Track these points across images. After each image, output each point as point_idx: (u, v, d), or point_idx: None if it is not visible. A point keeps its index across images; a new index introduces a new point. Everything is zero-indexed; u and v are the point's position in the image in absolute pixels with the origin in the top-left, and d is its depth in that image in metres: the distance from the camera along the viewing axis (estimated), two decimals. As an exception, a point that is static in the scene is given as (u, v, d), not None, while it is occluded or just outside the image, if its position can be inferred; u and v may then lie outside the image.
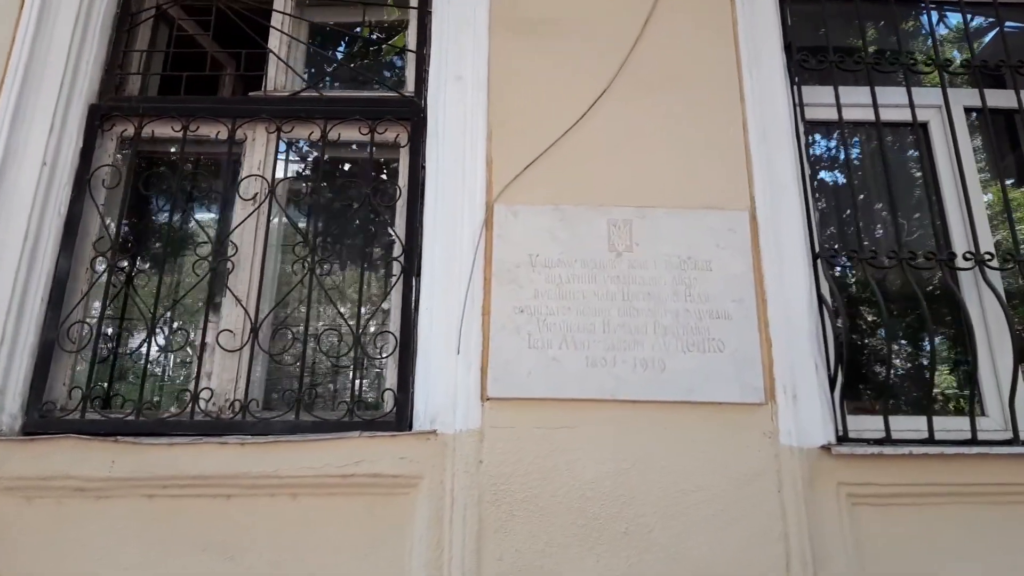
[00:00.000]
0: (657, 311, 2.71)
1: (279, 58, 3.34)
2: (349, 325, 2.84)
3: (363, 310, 2.91)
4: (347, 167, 3.44)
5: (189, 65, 3.33)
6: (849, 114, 3.22)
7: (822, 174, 3.64)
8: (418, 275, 2.85)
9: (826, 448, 2.59)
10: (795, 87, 3.16)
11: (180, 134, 3.11)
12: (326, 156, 3.20)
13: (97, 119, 3.13)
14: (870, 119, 3.18)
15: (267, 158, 3.15)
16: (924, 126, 3.37)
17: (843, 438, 2.67)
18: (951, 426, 2.81)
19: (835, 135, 3.51)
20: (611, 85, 3.03)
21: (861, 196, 3.59)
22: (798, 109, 3.14)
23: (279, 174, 3.15)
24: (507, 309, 2.71)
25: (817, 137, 3.62)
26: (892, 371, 3.19)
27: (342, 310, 2.97)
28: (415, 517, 2.53)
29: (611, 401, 2.62)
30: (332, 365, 3.02)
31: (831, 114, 3.16)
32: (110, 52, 3.30)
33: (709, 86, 3.07)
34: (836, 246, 2.99)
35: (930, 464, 2.62)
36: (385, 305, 2.99)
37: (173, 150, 3.31)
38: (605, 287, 2.74)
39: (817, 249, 2.92)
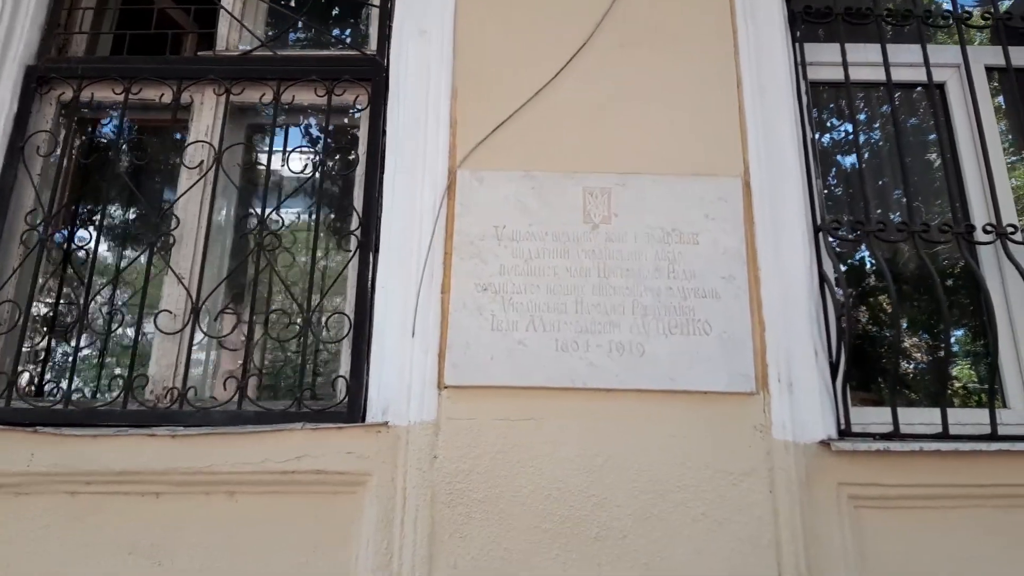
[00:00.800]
0: (636, 289, 2.42)
1: (230, 14, 3.05)
2: (299, 305, 2.56)
3: (316, 289, 2.63)
4: (304, 132, 3.14)
5: (147, 25, 3.06)
6: (857, 74, 2.93)
7: (826, 140, 3.30)
8: (376, 251, 2.57)
9: (825, 444, 2.30)
10: (797, 44, 2.84)
11: (121, 97, 2.83)
12: (280, 121, 2.91)
13: (34, 82, 2.86)
14: (881, 79, 2.86)
15: (215, 123, 2.87)
16: (941, 87, 3.03)
17: (845, 432, 2.38)
18: (968, 419, 2.51)
19: (842, 97, 3.15)
20: (591, 39, 2.73)
21: (869, 162, 3.26)
22: (799, 68, 2.81)
23: (228, 140, 2.87)
24: (468, 287, 2.43)
25: (822, 99, 3.27)
26: (902, 358, 2.89)
27: (294, 290, 2.69)
28: (363, 519, 2.26)
29: (583, 390, 2.34)
30: (283, 349, 2.74)
31: (837, 74, 2.86)
32: (50, 11, 3.02)
33: (699, 39, 2.76)
34: (842, 218, 2.65)
35: (944, 462, 2.33)
36: (342, 284, 2.70)
37: (117, 115, 3.02)
38: (579, 262, 2.45)
39: (819, 221, 2.61)
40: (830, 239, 2.61)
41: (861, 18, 2.91)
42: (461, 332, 2.38)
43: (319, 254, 2.86)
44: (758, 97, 2.69)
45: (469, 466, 2.26)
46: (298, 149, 2.85)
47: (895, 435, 2.36)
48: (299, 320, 2.57)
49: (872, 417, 2.51)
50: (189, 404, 2.48)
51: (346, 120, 3.02)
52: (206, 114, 2.90)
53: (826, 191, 3.12)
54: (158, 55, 2.95)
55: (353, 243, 2.66)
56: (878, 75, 2.88)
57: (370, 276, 2.56)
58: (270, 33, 3.19)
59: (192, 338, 2.58)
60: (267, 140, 2.80)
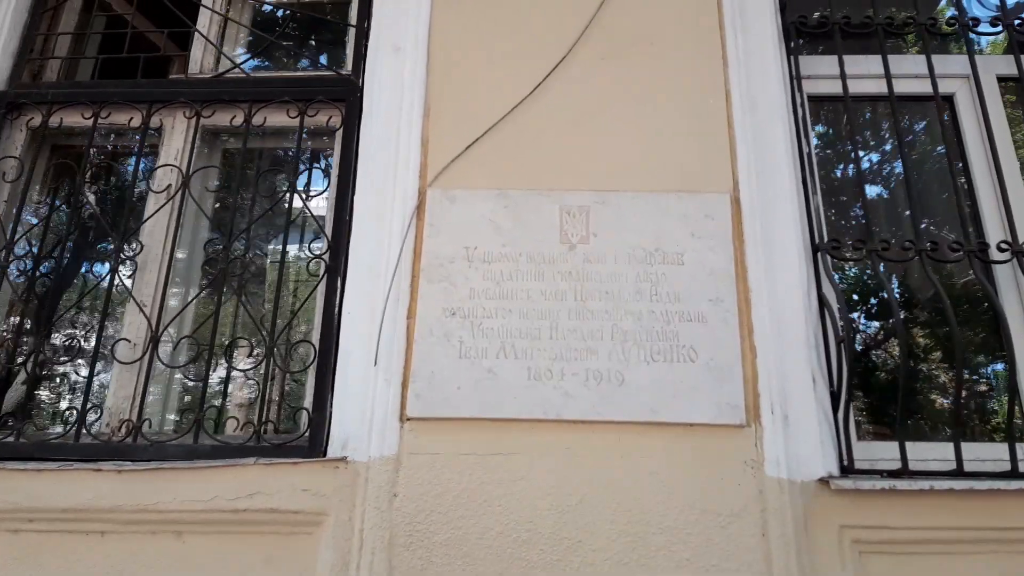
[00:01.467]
0: (616, 313, 2.25)
1: (202, 35, 2.98)
2: (263, 334, 2.42)
3: (281, 317, 2.50)
4: (277, 155, 3.04)
5: (131, 50, 3.01)
6: (859, 87, 2.76)
7: (827, 156, 3.12)
8: (344, 276, 2.43)
9: (824, 482, 2.09)
10: (792, 57, 2.68)
11: (91, 122, 2.75)
12: (253, 144, 2.82)
13: (3, 107, 2.80)
14: (883, 92, 2.67)
15: (185, 147, 2.77)
16: (950, 99, 2.84)
17: (848, 469, 2.16)
18: (986, 455, 2.29)
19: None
20: (571, 52, 2.60)
21: (880, 182, 3.08)
22: (795, 82, 2.65)
23: (200, 164, 2.77)
24: (436, 311, 2.28)
25: (822, 114, 3.10)
26: (910, 386, 2.66)
27: (263, 318, 2.56)
28: (317, 563, 2.09)
29: (556, 422, 2.16)
30: (247, 380, 2.60)
31: (836, 87, 2.68)
32: (24, 37, 2.97)
33: (686, 50, 2.62)
34: (843, 237, 2.46)
35: (959, 502, 2.10)
36: (312, 311, 2.56)
37: (96, 140, 2.95)
38: (554, 285, 2.29)
39: (817, 240, 2.42)
40: (830, 259, 2.41)
41: (860, 28, 2.73)
42: (426, 360, 2.22)
43: (290, 281, 2.74)
44: (748, 110, 2.54)
45: (431, 505, 2.08)
46: (269, 170, 2.73)
47: (904, 472, 2.15)
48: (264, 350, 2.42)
49: (880, 452, 2.29)
50: (143, 438, 2.34)
51: (322, 141, 2.91)
52: (176, 138, 2.81)
53: (839, 214, 2.93)
54: (130, 79, 2.86)
55: (322, 268, 2.51)
56: (881, 87, 2.70)
57: (337, 302, 2.42)
58: (249, 54, 3.10)
59: (150, 369, 2.45)
60: (238, 161, 2.70)
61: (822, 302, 2.35)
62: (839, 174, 3.10)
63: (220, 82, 2.86)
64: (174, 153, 2.78)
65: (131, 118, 2.78)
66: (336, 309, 2.41)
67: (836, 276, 2.39)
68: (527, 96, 2.53)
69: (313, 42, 3.51)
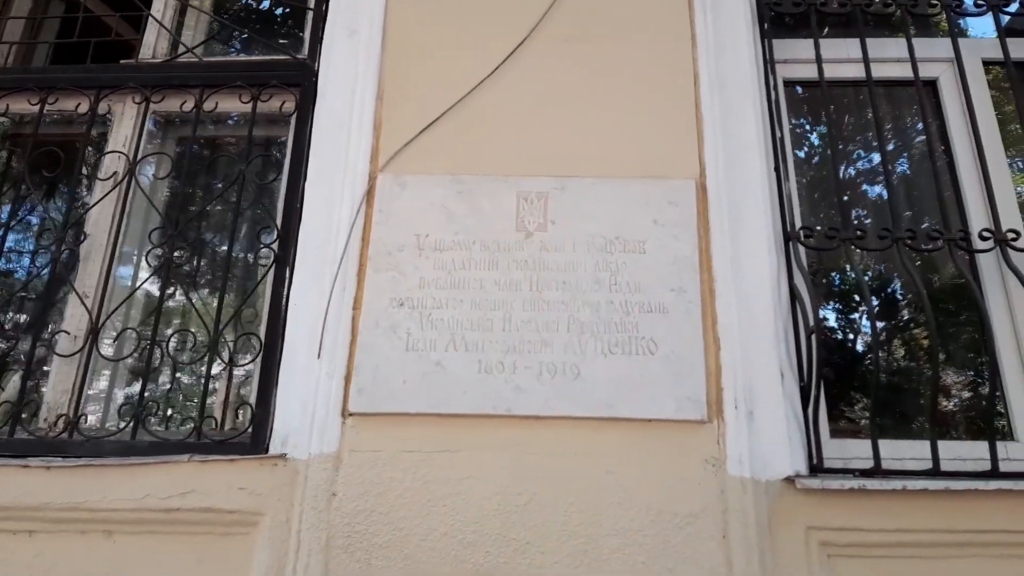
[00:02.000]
0: (573, 303, 2.14)
1: (156, 20, 2.88)
2: (206, 325, 2.31)
3: (228, 308, 2.39)
4: (230, 142, 2.93)
5: (75, 34, 2.91)
6: (837, 71, 2.66)
7: (803, 145, 3.00)
8: (292, 266, 2.32)
9: (790, 481, 1.97)
10: (766, 40, 2.57)
11: (37, 108, 2.65)
12: (208, 132, 2.72)
13: (-52, 94, 2.70)
14: (863, 77, 2.55)
15: (134, 133, 2.67)
16: (932, 84, 2.72)
17: (817, 468, 2.04)
18: (965, 453, 2.17)
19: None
20: (533, 33, 2.49)
21: (853, 172, 2.97)
22: (768, 65, 2.54)
23: (151, 152, 2.67)
24: (383, 302, 2.16)
25: (803, 104, 2.98)
26: (884, 380, 2.54)
27: (211, 309, 2.45)
28: (252, 565, 1.97)
29: (507, 417, 2.04)
30: (192, 373, 2.49)
31: (813, 72, 2.56)
32: (-26, 21, 2.88)
33: (653, 30, 2.51)
34: (814, 225, 2.34)
35: (935, 503, 1.98)
36: (256, 302, 2.46)
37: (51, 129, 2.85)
38: (508, 274, 2.18)
39: (789, 228, 2.30)
40: (802, 248, 2.29)
41: (838, 9, 2.62)
42: (371, 353, 2.11)
43: (239, 271, 2.63)
44: (717, 92, 2.42)
45: (371, 505, 1.97)
46: (218, 156, 2.62)
47: (876, 471, 2.03)
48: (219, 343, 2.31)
49: (854, 451, 2.18)
50: (80, 433, 2.23)
51: (277, 128, 2.80)
52: (126, 124, 2.71)
53: (819, 208, 2.80)
54: (82, 64, 2.76)
55: (271, 258, 2.40)
56: (859, 72, 2.58)
57: (285, 293, 2.31)
58: (206, 39, 2.99)
59: (88, 362, 2.35)
60: (200, 152, 2.60)
61: (793, 293, 2.23)
62: (817, 162, 2.98)
63: (171, 67, 2.76)
64: (122, 140, 2.67)
65: (78, 104, 2.67)
66: (283, 300, 2.30)
67: (813, 270, 2.27)
68: (485, 79, 2.42)
69: (273, 27, 3.40)
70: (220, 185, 2.61)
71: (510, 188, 2.29)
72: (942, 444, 2.06)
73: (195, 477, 2.04)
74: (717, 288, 2.16)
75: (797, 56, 2.71)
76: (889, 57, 2.71)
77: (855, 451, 2.18)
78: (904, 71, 2.67)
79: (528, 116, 2.39)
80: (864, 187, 3.04)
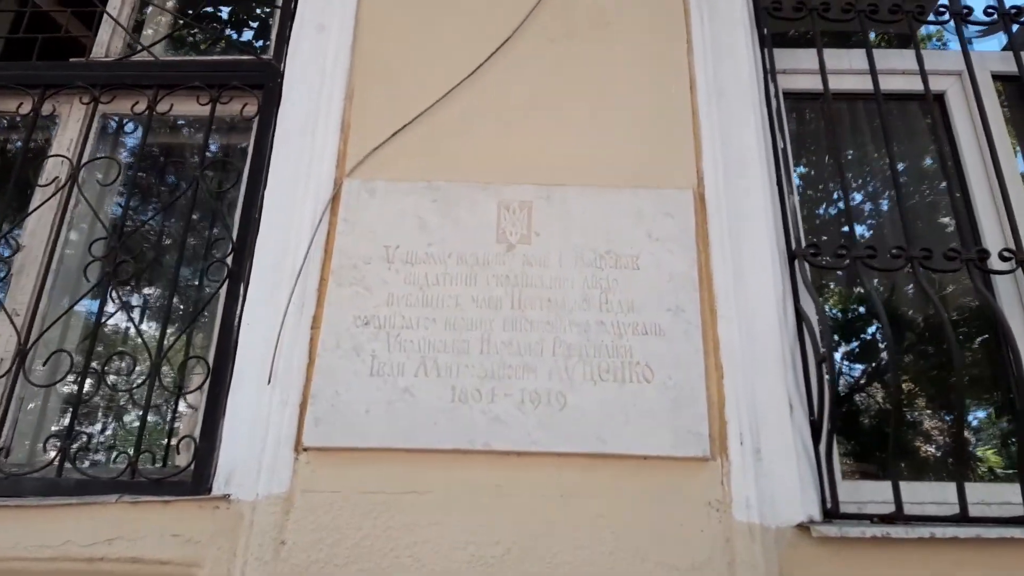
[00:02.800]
0: (559, 324, 1.91)
1: (110, 16, 2.65)
2: (148, 348, 2.05)
3: (172, 329, 2.14)
4: (185, 147, 2.70)
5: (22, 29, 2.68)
6: (840, 83, 2.49)
7: (800, 162, 2.81)
8: (247, 282, 2.07)
9: (804, 528, 1.73)
10: (766, 49, 2.39)
11: (-21, 109, 2.41)
12: (163, 138, 2.49)
13: None
14: (867, 89, 2.38)
15: (79, 137, 2.43)
16: (940, 97, 2.56)
17: (832, 513, 1.81)
18: (995, 497, 1.96)
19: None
20: (517, 32, 2.30)
21: (856, 190, 2.79)
22: (768, 74, 2.36)
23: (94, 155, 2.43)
24: (345, 320, 1.92)
25: (806, 116, 2.80)
26: (904, 417, 2.32)
27: (153, 330, 2.19)
28: (185, 627, 1.69)
29: (484, 453, 1.80)
30: (132, 402, 2.22)
31: (815, 83, 2.39)
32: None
33: (646, 33, 2.33)
34: (822, 242, 2.13)
35: (965, 552, 1.76)
36: (211, 324, 2.21)
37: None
38: (488, 291, 1.95)
39: (795, 246, 2.10)
40: (808, 268, 2.09)
41: (841, 16, 2.45)
42: (330, 378, 1.86)
43: (190, 289, 2.38)
44: (715, 99, 2.24)
45: (325, 555, 1.70)
46: (171, 162, 2.39)
47: (898, 517, 1.80)
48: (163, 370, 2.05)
49: (871, 494, 1.96)
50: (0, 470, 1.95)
51: (238, 135, 2.58)
52: (72, 127, 2.47)
53: (819, 231, 2.61)
54: (24, 60, 2.52)
55: (224, 273, 2.15)
56: (867, 84, 2.41)
57: (238, 312, 2.06)
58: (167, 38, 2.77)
59: (13, 388, 2.07)
60: (153, 158, 2.37)
61: (800, 316, 2.02)
62: (814, 177, 2.79)
63: (123, 65, 2.53)
64: (67, 144, 2.43)
65: (20, 104, 2.43)
66: (236, 320, 2.05)
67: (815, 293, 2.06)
68: (465, 79, 2.22)
69: (239, 28, 3.19)
70: (173, 194, 2.36)
71: (490, 196, 2.07)
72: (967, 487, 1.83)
73: (123, 521, 1.77)
74: (719, 308, 1.95)
75: (797, 66, 2.54)
76: (893, 69, 2.55)
77: (868, 494, 1.96)
78: (909, 84, 2.54)
79: (511, 120, 2.19)
80: (865, 206, 2.85)
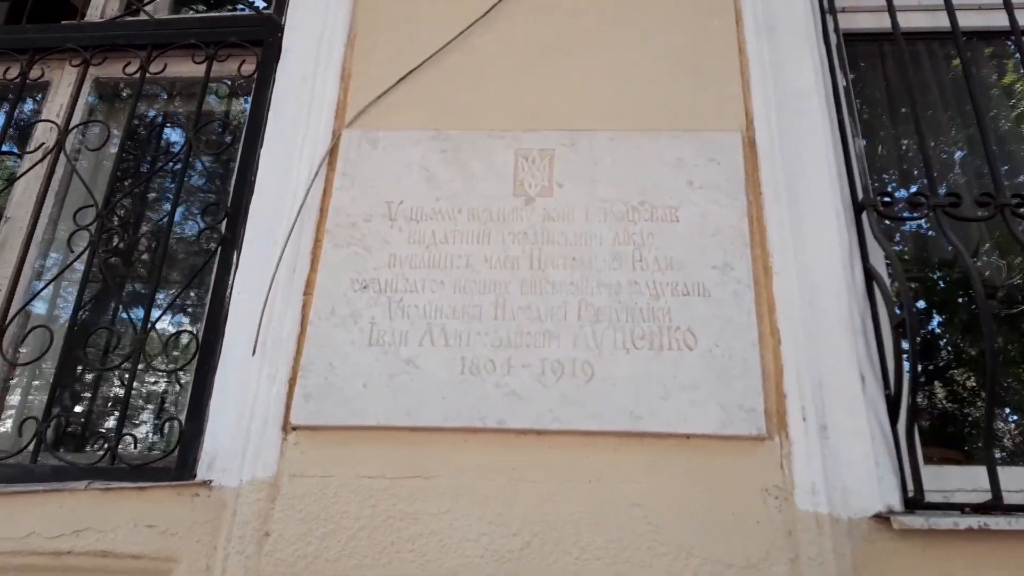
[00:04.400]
0: (585, 285, 1.65)
1: (101, -29, 2.49)
2: (132, 322, 1.85)
3: (160, 300, 1.94)
4: (181, 112, 2.51)
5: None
6: (906, 21, 2.16)
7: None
8: (240, 249, 1.86)
9: (883, 519, 1.44)
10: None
11: (-34, 74, 2.26)
12: (155, 103, 2.31)
13: None
14: (942, 27, 2.08)
15: (70, 101, 2.26)
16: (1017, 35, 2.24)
17: (915, 502, 1.51)
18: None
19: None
20: (536, -32, 2.04)
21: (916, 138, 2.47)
22: (825, 11, 2.08)
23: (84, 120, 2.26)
24: (342, 284, 1.70)
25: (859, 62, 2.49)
26: (999, 392, 2.00)
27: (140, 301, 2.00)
28: (159, 631, 1.47)
29: (499, 432, 1.55)
30: (120, 382, 2.03)
31: (877, 22, 2.11)
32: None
33: (680, -40, 2.05)
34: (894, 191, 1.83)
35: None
36: (204, 295, 2.01)
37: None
38: (503, 249, 1.71)
39: (861, 196, 1.80)
40: (877, 219, 1.79)
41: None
42: (324, 348, 1.63)
43: (181, 260, 2.19)
44: (765, 35, 1.98)
45: (315, 549, 1.47)
46: (164, 124, 2.20)
47: (996, 506, 1.48)
48: (150, 345, 1.86)
49: (954, 481, 1.66)
50: (-31, 455, 1.78)
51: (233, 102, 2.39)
52: (62, 92, 2.31)
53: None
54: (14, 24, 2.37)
55: (218, 241, 1.95)
56: (937, 21, 2.12)
57: (230, 282, 1.85)
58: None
59: (-11, 366, 1.90)
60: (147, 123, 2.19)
61: (870, 276, 1.73)
62: (870, 129, 2.47)
63: (116, 26, 2.36)
64: (56, 109, 2.27)
65: (7, 68, 2.27)
66: (228, 290, 1.84)
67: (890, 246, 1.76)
68: (478, 19, 1.99)
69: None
70: (164, 158, 2.18)
71: (507, 145, 1.83)
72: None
73: (93, 511, 1.57)
74: (774, 265, 1.67)
75: (857, 4, 2.25)
76: (966, 3, 2.24)
77: (955, 482, 1.66)
78: (984, 20, 2.23)
79: (530, 61, 1.95)
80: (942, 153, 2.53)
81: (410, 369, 1.60)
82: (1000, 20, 2.08)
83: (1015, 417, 2.26)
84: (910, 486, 1.53)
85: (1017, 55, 2.21)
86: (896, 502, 1.50)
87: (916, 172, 2.43)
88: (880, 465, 1.52)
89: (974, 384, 2.31)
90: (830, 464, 1.50)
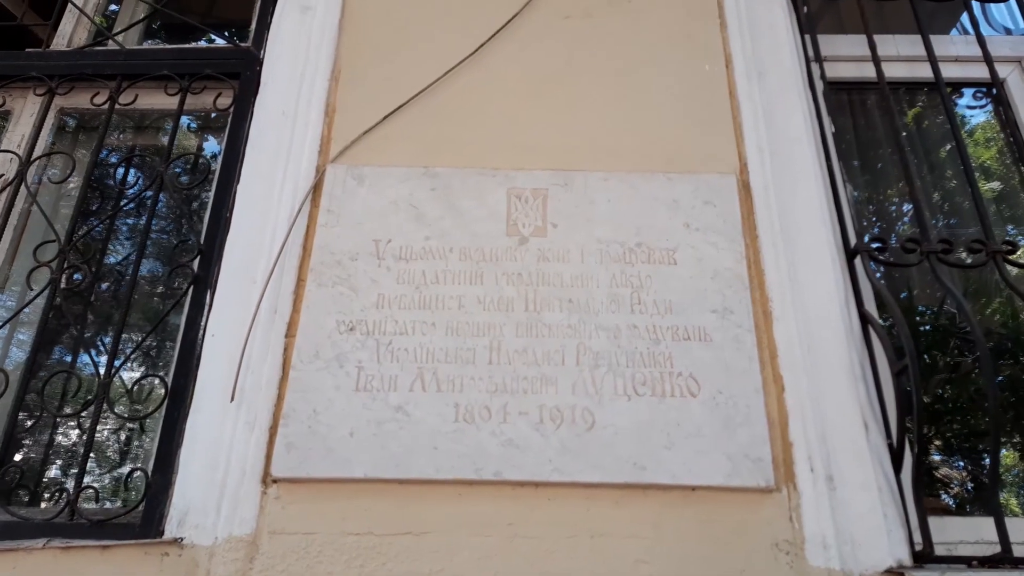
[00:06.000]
0: (583, 328, 1.59)
1: (76, 6, 2.40)
2: (96, 365, 1.74)
3: (128, 342, 1.82)
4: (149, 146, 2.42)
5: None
6: (892, 71, 2.20)
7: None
8: (215, 288, 1.76)
9: (895, 574, 1.38)
10: (807, 35, 2.13)
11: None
12: (129, 137, 2.21)
13: None
14: (917, 77, 2.13)
15: (32, 132, 2.15)
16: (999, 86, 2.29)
17: (924, 556, 1.45)
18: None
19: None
20: (527, 7, 2.05)
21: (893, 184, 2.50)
22: (809, 62, 2.09)
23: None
24: (327, 326, 1.61)
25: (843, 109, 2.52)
26: (1001, 439, 1.98)
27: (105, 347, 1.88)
28: None
29: (495, 484, 1.46)
30: (80, 430, 1.89)
31: (859, 71, 2.14)
32: None
33: (671, 9, 2.10)
34: (886, 236, 1.82)
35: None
36: (173, 336, 1.89)
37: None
38: (497, 291, 1.64)
39: (854, 241, 1.79)
40: (871, 265, 1.77)
41: (888, -8, 2.19)
42: (307, 394, 1.53)
43: (151, 299, 2.07)
44: (755, 80, 1.98)
45: (297, 615, 1.35)
46: (136, 157, 2.10)
47: (1006, 559, 1.44)
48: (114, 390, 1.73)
49: (954, 532, 1.61)
50: (-87, 510, 1.62)
51: (210, 129, 2.30)
52: (24, 122, 2.20)
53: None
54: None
55: (190, 280, 1.84)
56: (916, 72, 2.16)
57: (203, 323, 1.74)
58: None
59: (-61, 412, 1.75)
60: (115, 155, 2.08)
61: (865, 320, 1.70)
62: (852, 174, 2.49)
63: (84, 55, 2.26)
64: (18, 140, 2.16)
65: (-34, 99, 2.16)
66: (200, 333, 1.73)
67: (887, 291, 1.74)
68: (468, 56, 1.95)
69: (220, 21, 2.94)
70: (132, 192, 2.07)
71: (498, 183, 1.78)
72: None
73: (51, 572, 1.43)
74: (774, 309, 1.64)
75: (837, 53, 2.27)
76: (945, 56, 2.28)
77: (953, 533, 1.62)
78: (961, 71, 2.28)
79: (522, 99, 1.92)
80: (905, 206, 2.56)
81: (400, 417, 1.51)
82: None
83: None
84: (916, 538, 1.49)
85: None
86: (905, 556, 1.45)
87: (896, 218, 2.46)
88: (888, 517, 1.47)
89: (959, 428, 2.31)
90: (839, 517, 1.45)
